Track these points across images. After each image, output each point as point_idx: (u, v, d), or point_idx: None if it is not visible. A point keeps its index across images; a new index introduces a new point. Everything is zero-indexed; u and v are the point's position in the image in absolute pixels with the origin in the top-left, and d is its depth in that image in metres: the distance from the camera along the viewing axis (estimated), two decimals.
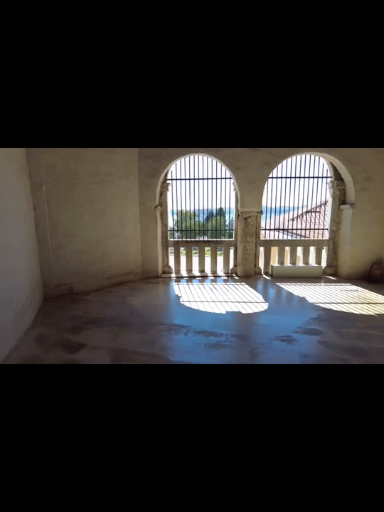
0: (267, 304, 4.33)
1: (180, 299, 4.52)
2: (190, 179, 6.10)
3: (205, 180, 6.10)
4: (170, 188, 6.14)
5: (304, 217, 7.74)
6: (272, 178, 6.04)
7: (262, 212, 5.94)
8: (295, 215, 9.03)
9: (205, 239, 6.62)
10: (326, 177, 6.02)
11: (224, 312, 3.96)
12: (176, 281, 5.73)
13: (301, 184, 6.06)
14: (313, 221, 6.48)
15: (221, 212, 6.64)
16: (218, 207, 6.37)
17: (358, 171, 5.45)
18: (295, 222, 8.38)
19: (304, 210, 7.72)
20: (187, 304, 4.28)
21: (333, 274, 6.13)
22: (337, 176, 5.82)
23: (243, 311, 4.00)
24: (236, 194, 6.00)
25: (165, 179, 5.99)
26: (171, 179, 6.12)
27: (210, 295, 4.74)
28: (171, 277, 5.97)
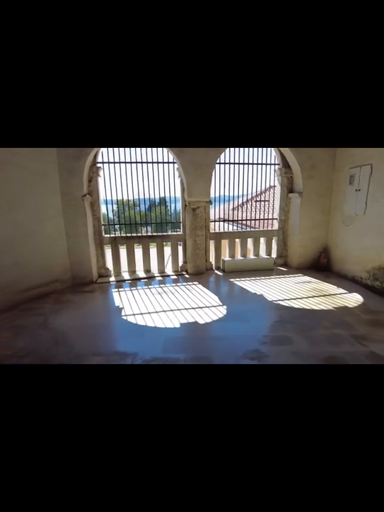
0: (225, 307, 3.80)
1: (123, 313, 3.64)
2: (126, 162, 5.09)
3: (145, 165, 5.18)
4: (101, 173, 5.03)
5: (251, 203, 7.50)
6: (219, 163, 5.48)
7: (210, 202, 5.36)
8: (241, 203, 8.81)
9: (150, 233, 5.75)
10: (274, 164, 5.75)
11: (178, 325, 3.26)
12: (116, 286, 4.78)
13: (248, 171, 5.66)
14: (261, 209, 6.20)
15: (164, 202, 5.80)
16: (162, 196, 5.55)
17: (304, 158, 5.27)
18: (242, 209, 8.13)
19: (250, 197, 7.49)
20: (131, 319, 3.44)
21: (284, 264, 6.02)
22: (285, 164, 5.58)
23: (200, 321, 3.37)
24: (182, 181, 5.27)
25: (94, 162, 4.86)
26: (103, 162, 5.01)
27: (159, 302, 3.97)
28: (109, 282, 4.98)
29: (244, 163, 5.63)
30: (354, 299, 4.08)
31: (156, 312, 3.61)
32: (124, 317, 3.50)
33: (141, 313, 3.58)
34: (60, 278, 4.56)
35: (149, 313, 3.59)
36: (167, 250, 5.82)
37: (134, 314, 3.57)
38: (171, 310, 3.68)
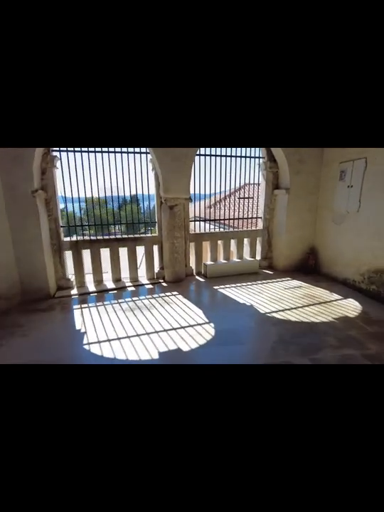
0: (212, 325, 3.18)
1: (85, 339, 2.87)
2: (90, 152, 4.26)
3: (113, 155, 4.38)
4: (58, 164, 4.16)
5: (231, 200, 7.00)
6: (199, 155, 4.84)
7: (190, 199, 4.71)
8: (219, 199, 8.27)
9: (119, 235, 4.96)
10: (258, 157, 5.23)
11: (156, 355, 2.59)
12: (79, 301, 3.95)
13: (229, 164, 5.07)
14: (243, 207, 5.64)
15: (135, 199, 5.02)
16: (133, 192, 4.77)
17: (291, 152, 4.81)
18: (221, 206, 7.61)
19: (229, 193, 6.98)
20: (95, 350, 2.69)
21: (269, 266, 5.56)
22: (270, 157, 5.08)
23: (184, 347, 2.72)
24: (156, 175, 4.55)
25: (48, 150, 3.98)
26: (60, 150, 4.14)
27: (131, 322, 3.26)
28: (70, 296, 4.13)
29: (225, 156, 5.03)
30: (352, 307, 3.69)
31: (128, 337, 2.89)
32: (86, 347, 2.74)
33: (109, 340, 2.83)
34: (4, 295, 3.64)
35: (119, 339, 2.86)
36: (140, 253, 5.07)
37: (99, 342, 2.82)
38: (147, 333, 2.98)
